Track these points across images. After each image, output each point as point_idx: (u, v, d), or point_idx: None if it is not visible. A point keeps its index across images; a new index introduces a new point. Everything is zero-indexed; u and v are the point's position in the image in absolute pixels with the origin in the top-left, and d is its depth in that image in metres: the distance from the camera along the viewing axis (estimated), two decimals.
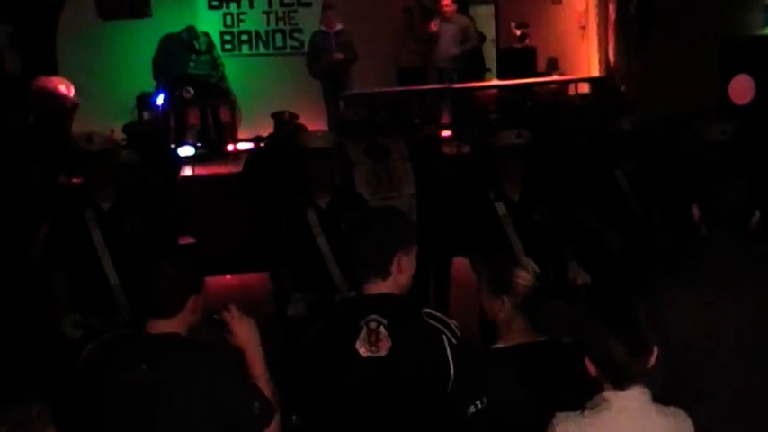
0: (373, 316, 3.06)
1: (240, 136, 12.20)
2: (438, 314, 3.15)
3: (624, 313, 2.81)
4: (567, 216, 6.07)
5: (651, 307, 2.85)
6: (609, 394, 2.83)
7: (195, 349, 3.17)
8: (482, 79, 12.56)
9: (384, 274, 3.13)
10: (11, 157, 9.04)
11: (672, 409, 2.89)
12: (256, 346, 3.28)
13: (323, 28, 11.94)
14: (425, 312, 3.13)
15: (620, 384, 2.81)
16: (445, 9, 12.05)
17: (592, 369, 2.85)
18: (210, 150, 11.87)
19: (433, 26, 12.05)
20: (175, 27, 11.74)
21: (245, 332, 3.27)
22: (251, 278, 9.30)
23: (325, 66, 11.80)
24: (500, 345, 3.58)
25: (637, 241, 6.29)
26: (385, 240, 3.14)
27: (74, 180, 9.15)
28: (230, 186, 9.42)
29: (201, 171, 11.09)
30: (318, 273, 5.65)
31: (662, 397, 2.95)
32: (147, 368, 3.07)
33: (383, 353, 3.03)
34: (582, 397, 2.89)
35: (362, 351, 3.04)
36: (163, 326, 3.18)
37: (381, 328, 3.04)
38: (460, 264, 7.10)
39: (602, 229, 6.37)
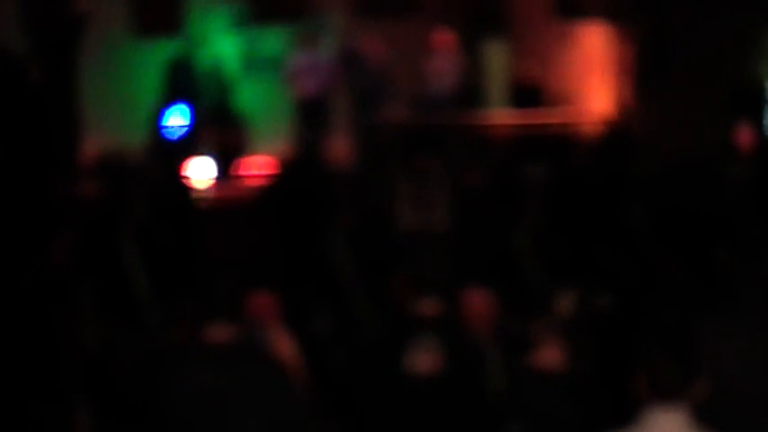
0: (429, 333, 3.18)
1: (253, 159, 12.27)
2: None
3: (681, 335, 2.91)
4: (586, 250, 6.20)
5: (697, 339, 2.97)
6: (651, 410, 2.87)
7: (255, 359, 3.28)
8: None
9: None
10: (27, 165, 9.11)
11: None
12: (298, 362, 3.41)
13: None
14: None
15: (665, 402, 2.86)
16: (437, 45, 12.03)
17: (638, 386, 2.88)
18: (223, 172, 11.92)
19: (427, 64, 12.01)
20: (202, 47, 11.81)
21: (287, 349, 3.41)
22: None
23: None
24: None
25: (653, 281, 6.40)
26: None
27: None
28: (243, 208, 9.48)
29: (214, 192, 11.15)
30: (338, 293, 5.78)
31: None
32: (211, 375, 3.18)
33: (436, 370, 3.13)
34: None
35: (419, 367, 3.13)
36: (222, 333, 3.26)
37: (435, 346, 3.15)
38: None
39: (617, 267, 6.48)
